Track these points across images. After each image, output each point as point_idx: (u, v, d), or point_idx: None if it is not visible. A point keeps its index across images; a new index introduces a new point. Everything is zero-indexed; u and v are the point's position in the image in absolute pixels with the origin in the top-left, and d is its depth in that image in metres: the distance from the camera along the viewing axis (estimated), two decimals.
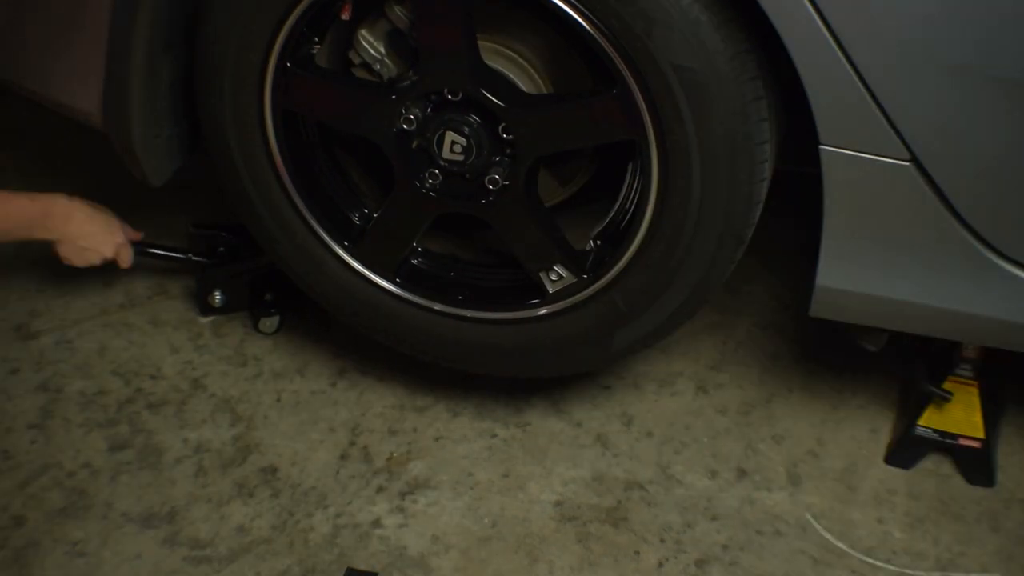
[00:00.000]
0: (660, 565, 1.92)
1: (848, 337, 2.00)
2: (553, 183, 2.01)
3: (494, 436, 2.12)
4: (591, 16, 1.64)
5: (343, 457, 2.07)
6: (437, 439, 2.12)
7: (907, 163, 1.64)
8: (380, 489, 2.02)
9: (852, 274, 1.78)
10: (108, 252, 2.14)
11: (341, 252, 2.01)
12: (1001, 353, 1.94)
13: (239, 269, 2.28)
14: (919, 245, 1.73)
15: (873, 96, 1.59)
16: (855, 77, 1.58)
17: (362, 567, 1.89)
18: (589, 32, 1.66)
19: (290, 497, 1.99)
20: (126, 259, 2.18)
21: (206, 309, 2.32)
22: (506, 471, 2.06)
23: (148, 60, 1.87)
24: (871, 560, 1.94)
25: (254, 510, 1.97)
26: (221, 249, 2.30)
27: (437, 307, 2.00)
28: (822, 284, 1.80)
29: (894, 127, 1.61)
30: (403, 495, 2.01)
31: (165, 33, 1.88)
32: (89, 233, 2.10)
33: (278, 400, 2.17)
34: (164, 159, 2.02)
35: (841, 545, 1.96)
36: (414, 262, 2.03)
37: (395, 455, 2.08)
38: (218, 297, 2.30)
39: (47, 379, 2.18)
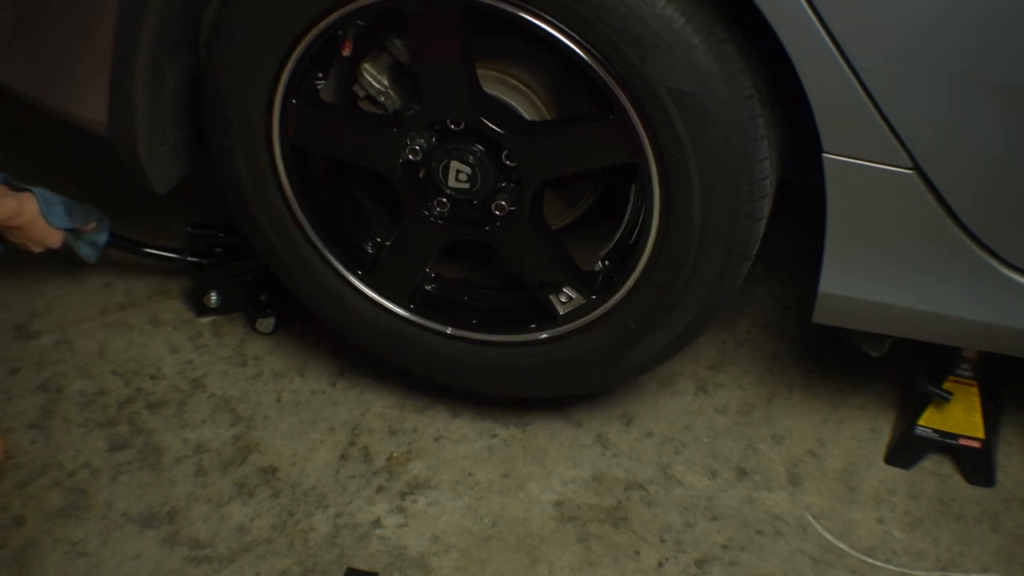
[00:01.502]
0: (660, 565, 1.92)
1: (850, 341, 2.00)
2: (561, 204, 2.02)
3: (494, 436, 2.12)
4: (584, 43, 1.66)
5: (343, 457, 2.07)
6: (437, 439, 2.12)
7: (909, 171, 1.65)
8: (380, 489, 2.02)
9: (855, 281, 1.79)
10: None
11: (356, 281, 2.02)
12: (1001, 354, 1.94)
13: (235, 270, 2.27)
14: (921, 252, 1.73)
15: (875, 104, 1.59)
16: (857, 85, 1.58)
17: (362, 567, 1.89)
18: (584, 59, 1.67)
19: (290, 497, 1.99)
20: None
21: (202, 310, 2.32)
22: (506, 471, 2.06)
23: (153, 68, 1.88)
24: (871, 560, 1.94)
25: (254, 510, 1.97)
26: (218, 250, 2.30)
27: (451, 332, 2.02)
28: (825, 291, 1.80)
29: (896, 135, 1.62)
30: (403, 495, 2.01)
31: (170, 40, 1.88)
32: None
33: (278, 400, 2.17)
34: (169, 167, 2.02)
35: (841, 545, 1.96)
36: (428, 288, 2.04)
37: (395, 455, 2.08)
38: (214, 298, 2.30)
39: (47, 379, 2.18)
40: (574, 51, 1.66)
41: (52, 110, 2.03)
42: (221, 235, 2.29)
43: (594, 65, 1.66)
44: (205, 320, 2.32)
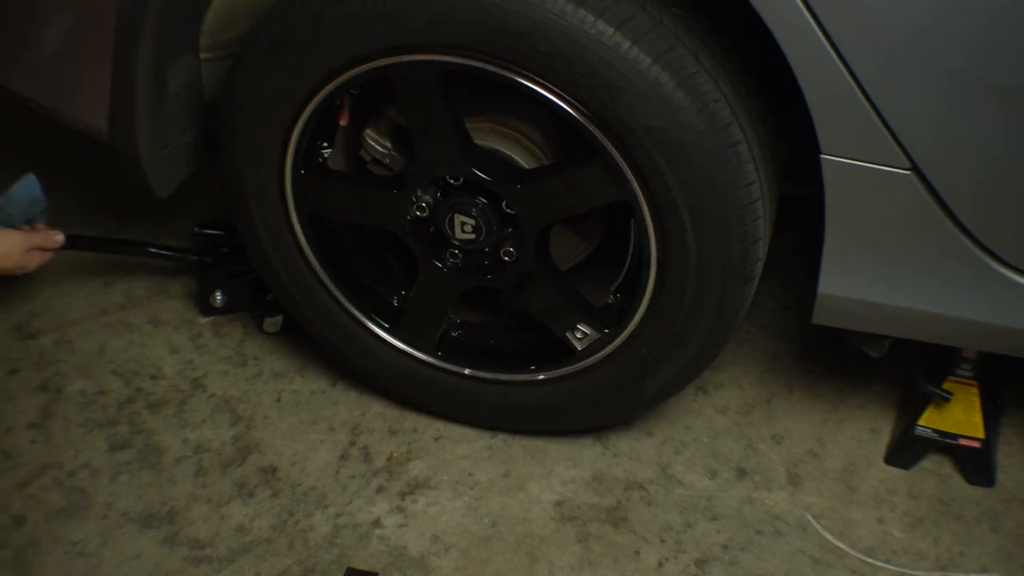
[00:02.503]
0: (660, 565, 1.92)
1: (850, 341, 2.00)
2: (571, 244, 2.04)
3: (494, 436, 2.12)
4: (559, 92, 1.69)
5: (343, 457, 2.07)
6: (437, 439, 2.12)
7: (907, 172, 1.65)
8: (380, 489, 2.02)
9: (854, 282, 1.79)
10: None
11: (385, 335, 2.06)
12: (1001, 354, 1.94)
13: (240, 269, 2.27)
14: (920, 253, 1.74)
15: (873, 105, 1.59)
16: (855, 86, 1.58)
17: (362, 567, 1.89)
18: (561, 106, 1.70)
19: (290, 497, 2.00)
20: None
21: (207, 309, 2.32)
22: (506, 471, 2.06)
23: (154, 70, 1.88)
24: (871, 560, 1.94)
25: (254, 510, 1.97)
26: (224, 249, 2.29)
27: (481, 375, 2.05)
28: (824, 292, 1.81)
29: (894, 136, 1.62)
30: (403, 495, 2.01)
31: (171, 42, 1.88)
32: None
33: (278, 400, 2.18)
34: (170, 170, 2.03)
35: (841, 545, 1.96)
36: (454, 335, 2.08)
37: (395, 455, 2.08)
38: (219, 297, 2.30)
39: (47, 379, 2.18)
40: (551, 100, 1.70)
41: (52, 113, 2.03)
42: (227, 235, 2.29)
43: (572, 111, 1.70)
44: (205, 320, 2.32)
